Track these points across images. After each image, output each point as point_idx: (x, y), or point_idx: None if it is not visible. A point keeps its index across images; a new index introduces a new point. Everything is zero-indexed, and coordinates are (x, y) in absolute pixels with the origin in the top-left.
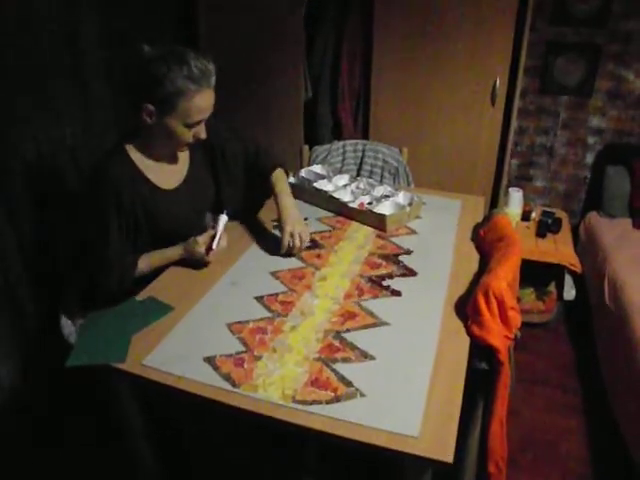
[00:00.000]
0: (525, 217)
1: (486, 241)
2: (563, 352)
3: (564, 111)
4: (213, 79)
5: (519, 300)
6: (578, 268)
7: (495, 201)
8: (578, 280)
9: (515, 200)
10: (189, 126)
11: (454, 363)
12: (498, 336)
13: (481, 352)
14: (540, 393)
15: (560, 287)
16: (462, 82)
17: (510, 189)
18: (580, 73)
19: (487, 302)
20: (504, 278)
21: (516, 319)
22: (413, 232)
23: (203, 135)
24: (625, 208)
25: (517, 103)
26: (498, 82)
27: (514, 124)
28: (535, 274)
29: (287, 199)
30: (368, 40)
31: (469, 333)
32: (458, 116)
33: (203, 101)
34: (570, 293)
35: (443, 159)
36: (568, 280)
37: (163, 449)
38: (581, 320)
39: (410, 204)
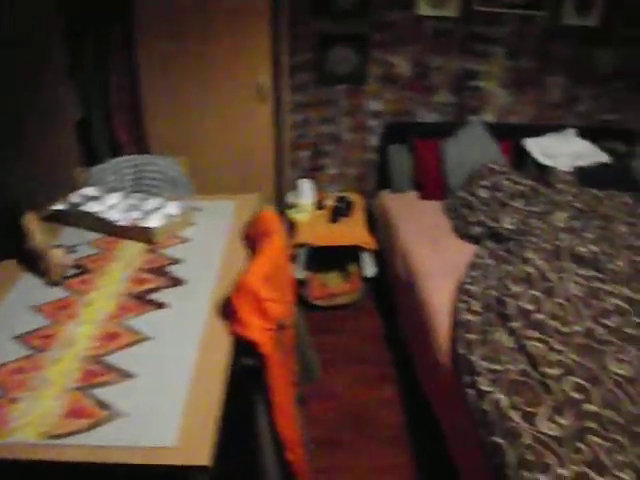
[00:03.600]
0: (321, 206)
1: (253, 238)
2: (373, 327)
3: (344, 99)
4: None
5: (326, 285)
6: (372, 246)
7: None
8: (379, 257)
9: (305, 191)
10: None
11: (215, 366)
12: (257, 330)
13: (250, 349)
14: (355, 370)
15: (361, 266)
16: (229, 85)
17: (299, 181)
18: (352, 62)
19: (241, 298)
20: (257, 272)
21: (276, 310)
22: (185, 240)
23: None
24: (411, 182)
25: (287, 98)
26: (263, 80)
27: (286, 118)
28: (337, 258)
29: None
30: (134, 53)
31: (231, 332)
32: (231, 118)
33: None
34: (371, 270)
35: (225, 162)
36: (369, 259)
37: None
38: (386, 294)
39: (181, 213)
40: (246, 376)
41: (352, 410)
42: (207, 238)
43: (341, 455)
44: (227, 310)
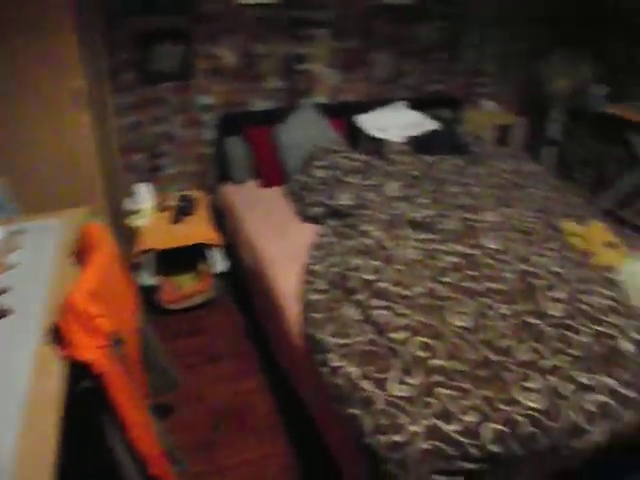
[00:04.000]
0: (163, 208)
1: (81, 253)
2: (232, 323)
3: (173, 96)
4: None
5: (180, 288)
6: (217, 241)
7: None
8: (231, 251)
9: (143, 195)
10: None
11: (48, 396)
12: (88, 350)
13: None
14: (219, 368)
15: (210, 264)
16: (41, 93)
17: (136, 185)
18: (177, 58)
19: (68, 319)
20: (82, 289)
21: (108, 325)
22: (11, 267)
23: None
24: (251, 172)
25: (110, 101)
26: (78, 84)
27: (112, 122)
28: (189, 258)
29: None
30: None
31: (63, 357)
32: (50, 129)
33: None
34: (221, 266)
35: (51, 177)
36: (218, 254)
37: None
38: (242, 288)
39: (3, 238)
40: (90, 398)
41: (223, 408)
42: (34, 261)
43: (219, 455)
44: (57, 334)
